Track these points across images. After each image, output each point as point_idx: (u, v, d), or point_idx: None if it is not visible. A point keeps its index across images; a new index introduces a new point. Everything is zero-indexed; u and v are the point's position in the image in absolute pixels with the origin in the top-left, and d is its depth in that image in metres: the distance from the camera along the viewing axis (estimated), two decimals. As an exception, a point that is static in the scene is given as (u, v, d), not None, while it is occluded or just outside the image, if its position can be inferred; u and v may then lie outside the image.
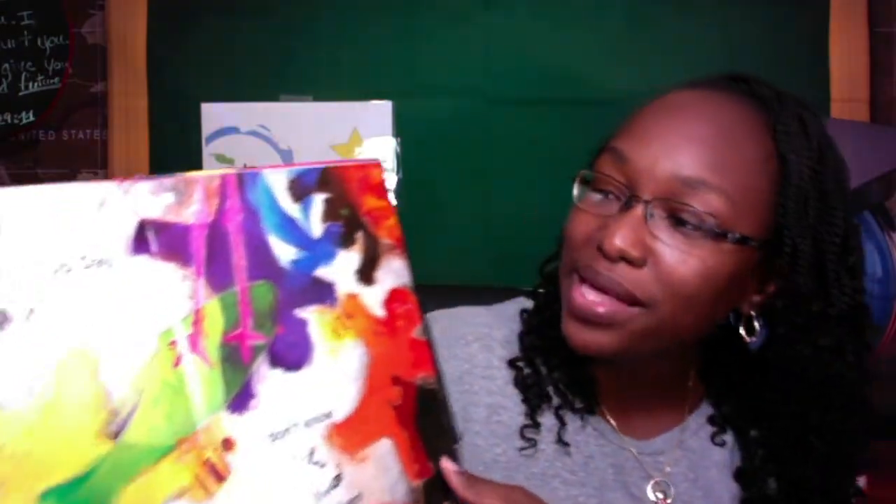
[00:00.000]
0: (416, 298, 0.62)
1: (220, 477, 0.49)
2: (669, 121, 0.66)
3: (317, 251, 0.57)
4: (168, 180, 0.51)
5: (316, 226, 0.57)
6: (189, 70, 1.60)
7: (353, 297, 0.58)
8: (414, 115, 1.57)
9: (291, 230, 0.56)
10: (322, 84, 1.58)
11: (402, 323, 0.61)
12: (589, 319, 0.65)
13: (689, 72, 1.44)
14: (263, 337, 0.53)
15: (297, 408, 0.54)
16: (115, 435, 0.46)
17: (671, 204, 0.63)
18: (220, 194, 0.53)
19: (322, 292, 0.56)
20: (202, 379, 0.50)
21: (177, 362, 0.49)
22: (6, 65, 1.56)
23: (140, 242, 0.49)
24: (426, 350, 0.62)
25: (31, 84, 1.57)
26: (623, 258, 0.63)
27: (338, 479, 0.55)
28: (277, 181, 0.56)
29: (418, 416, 0.60)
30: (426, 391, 0.61)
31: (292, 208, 0.56)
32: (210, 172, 0.53)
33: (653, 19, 1.46)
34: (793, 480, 0.71)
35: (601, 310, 0.64)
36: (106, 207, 0.48)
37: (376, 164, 0.62)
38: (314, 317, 0.56)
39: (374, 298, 0.59)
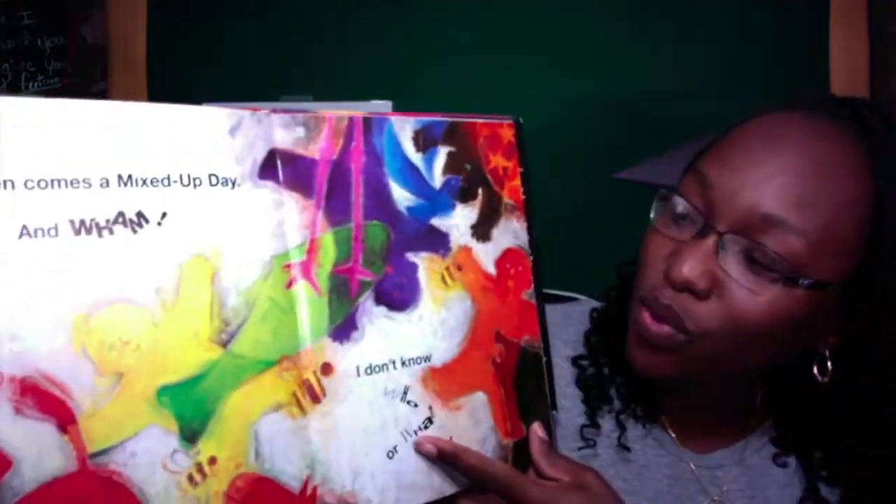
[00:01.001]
0: (530, 262, 0.63)
1: (315, 398, 0.51)
2: (759, 150, 0.61)
3: (435, 201, 0.58)
4: (300, 115, 0.53)
5: (437, 177, 0.58)
6: (189, 70, 1.60)
7: (466, 251, 0.59)
8: (414, 116, 1.58)
9: (412, 178, 0.57)
10: (322, 84, 1.57)
11: (513, 283, 0.62)
12: (649, 342, 0.64)
13: (689, 72, 1.48)
14: (372, 274, 0.54)
15: (396, 346, 0.55)
16: (226, 343, 0.48)
17: (745, 240, 0.59)
18: (347, 134, 0.54)
19: (436, 241, 0.58)
20: (310, 304, 0.52)
21: (289, 284, 0.51)
22: (6, 65, 1.53)
23: (268, 170, 0.51)
24: (534, 314, 0.63)
25: (31, 84, 1.55)
26: (688, 289, 0.61)
27: (429, 420, 0.56)
28: (404, 129, 0.57)
29: (517, 376, 0.61)
30: (529, 354, 0.62)
31: (416, 157, 0.58)
32: (339, 112, 0.55)
33: (652, 19, 1.48)
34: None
35: (663, 331, 0.62)
36: (239, 132, 0.50)
37: (510, 124, 0.63)
38: (425, 263, 0.57)
39: (487, 255, 0.60)
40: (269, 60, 1.58)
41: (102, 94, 1.74)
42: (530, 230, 0.63)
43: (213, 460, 0.47)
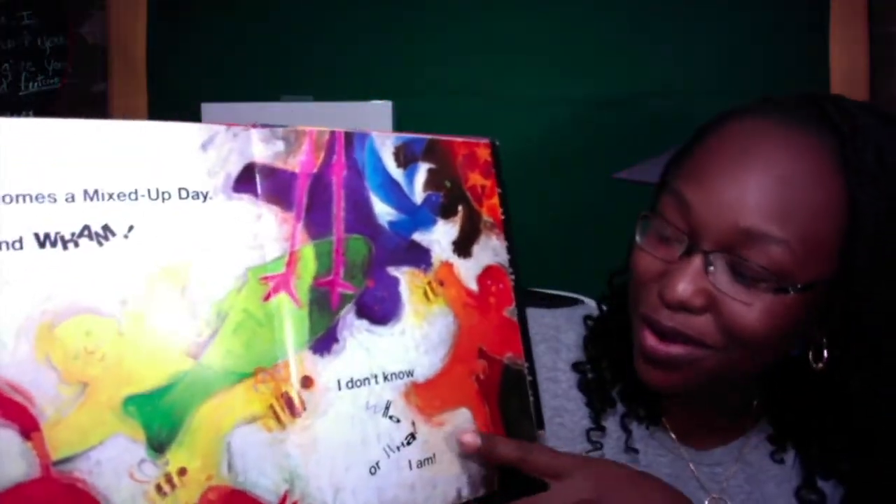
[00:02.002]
0: (511, 280, 0.63)
1: (295, 411, 0.51)
2: (733, 166, 0.61)
3: (416, 216, 0.59)
4: (280, 129, 0.53)
5: (418, 192, 0.59)
6: (189, 70, 1.61)
7: (447, 266, 0.60)
8: (414, 115, 1.58)
9: (393, 193, 0.58)
10: (322, 84, 1.57)
11: (494, 300, 0.62)
12: (661, 362, 0.65)
13: (689, 72, 1.46)
14: (353, 287, 0.54)
15: (378, 360, 0.55)
16: (196, 354, 0.48)
17: (731, 257, 0.61)
18: (328, 148, 0.55)
19: (417, 256, 0.58)
20: (289, 316, 0.51)
21: (266, 297, 0.51)
22: (6, 65, 1.55)
23: (244, 183, 0.51)
24: (517, 331, 0.62)
25: (31, 84, 1.56)
26: (684, 308, 0.62)
27: (412, 436, 0.55)
28: (385, 145, 0.58)
29: (501, 393, 0.60)
30: (513, 371, 0.62)
31: (396, 172, 0.58)
32: (320, 128, 0.55)
33: (652, 19, 1.47)
34: (854, 496, 0.71)
35: (673, 351, 0.64)
36: (212, 146, 0.50)
37: (486, 144, 0.64)
38: (406, 277, 0.57)
39: (468, 271, 0.61)
40: (269, 60, 1.59)
41: (102, 95, 1.75)
42: (510, 249, 0.64)
43: (182, 471, 0.47)
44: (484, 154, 0.63)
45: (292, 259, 0.52)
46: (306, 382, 0.51)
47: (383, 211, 0.57)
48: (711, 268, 0.61)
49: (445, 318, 0.59)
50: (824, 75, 1.32)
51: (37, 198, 0.44)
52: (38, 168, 0.44)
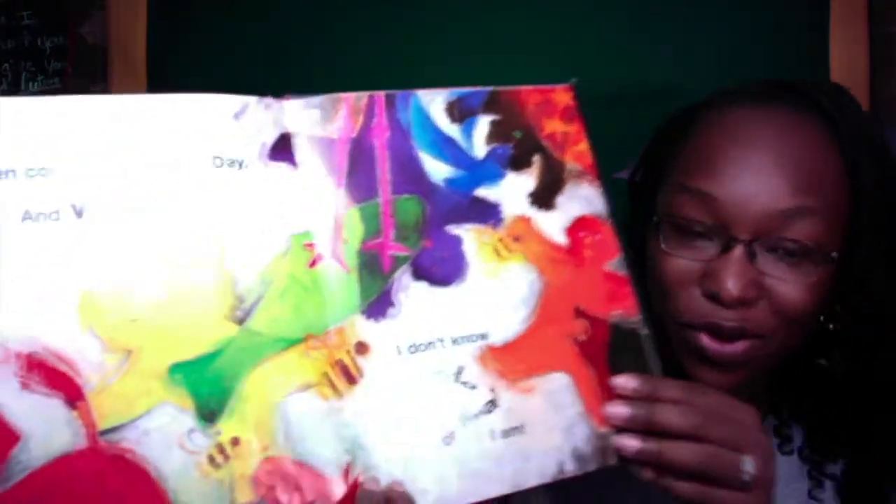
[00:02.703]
0: (611, 229, 0.58)
1: (351, 379, 0.48)
2: (748, 151, 0.63)
3: (478, 171, 0.56)
4: (315, 98, 0.53)
5: (479, 146, 0.56)
6: (189, 70, 1.57)
7: (523, 220, 0.56)
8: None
9: (447, 149, 0.55)
10: (322, 84, 1.58)
11: (591, 253, 0.57)
12: (726, 364, 0.64)
13: (689, 72, 1.38)
14: (406, 249, 0.52)
15: (443, 323, 0.51)
16: (241, 320, 0.47)
17: (771, 240, 0.62)
18: (367, 112, 0.54)
19: (483, 212, 0.55)
20: (337, 282, 0.50)
21: (312, 263, 0.50)
22: (6, 65, 1.51)
23: (280, 151, 0.51)
24: (625, 285, 0.57)
25: (31, 84, 1.52)
26: (741, 303, 0.62)
27: (492, 403, 0.51)
28: (434, 101, 0.56)
29: (611, 355, 0.55)
30: (623, 330, 0.56)
31: (450, 128, 0.56)
32: (358, 93, 0.54)
33: (652, 19, 1.46)
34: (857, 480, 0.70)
35: (739, 349, 0.63)
36: (244, 116, 0.51)
37: (565, 89, 0.60)
38: (471, 235, 0.54)
39: (553, 224, 0.56)
40: (269, 60, 1.55)
41: (102, 94, 1.81)
42: (604, 195, 0.58)
43: (235, 441, 0.45)
44: (564, 99, 0.59)
45: (337, 224, 0.50)
46: (361, 348, 0.49)
47: (437, 169, 0.54)
48: (755, 257, 0.62)
49: (526, 276, 0.54)
50: (824, 75, 1.29)
51: (74, 170, 0.45)
52: (76, 142, 0.46)
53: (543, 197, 0.56)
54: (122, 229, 0.45)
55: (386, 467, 0.47)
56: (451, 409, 0.50)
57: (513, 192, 0.56)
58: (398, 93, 0.55)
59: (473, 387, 0.50)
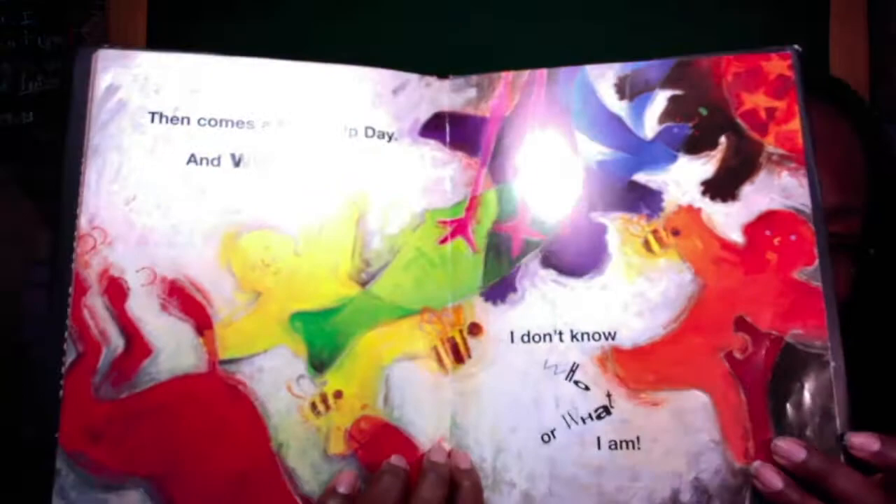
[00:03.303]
0: (811, 230, 0.49)
1: (459, 358, 0.49)
2: None
3: (643, 153, 0.51)
4: (474, 77, 0.53)
5: (650, 126, 0.51)
6: None
7: (689, 211, 0.50)
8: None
9: (609, 129, 0.51)
10: None
11: (776, 256, 0.49)
12: None
13: None
14: (540, 234, 0.50)
15: (566, 316, 0.49)
16: (364, 283, 0.49)
17: None
18: (524, 89, 0.52)
19: (638, 199, 0.50)
20: (463, 261, 0.50)
21: (443, 240, 0.50)
22: (6, 65, 1.50)
23: (432, 129, 0.52)
24: (816, 300, 0.48)
25: (31, 84, 1.50)
26: None
27: (605, 410, 0.48)
28: (604, 76, 0.52)
29: (774, 380, 0.47)
30: (800, 353, 0.47)
31: (618, 105, 0.51)
32: (519, 71, 0.53)
33: (652, 19, 1.33)
34: None
35: None
36: (403, 92, 0.52)
37: (782, 55, 0.52)
38: (618, 224, 0.50)
39: (729, 218, 0.49)
40: None
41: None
42: (813, 189, 0.50)
43: (338, 394, 0.47)
44: (777, 68, 0.51)
45: (472, 204, 0.51)
46: (474, 329, 0.49)
47: (591, 150, 0.51)
48: None
49: (678, 276, 0.49)
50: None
51: (237, 123, 0.50)
52: (241, 99, 0.50)
53: (724, 185, 0.50)
54: (271, 182, 0.49)
55: (477, 450, 0.47)
56: (556, 406, 0.48)
57: (682, 178, 0.50)
58: (562, 69, 0.53)
59: (586, 388, 0.48)
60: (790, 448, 0.45)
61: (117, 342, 0.46)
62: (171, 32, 1.63)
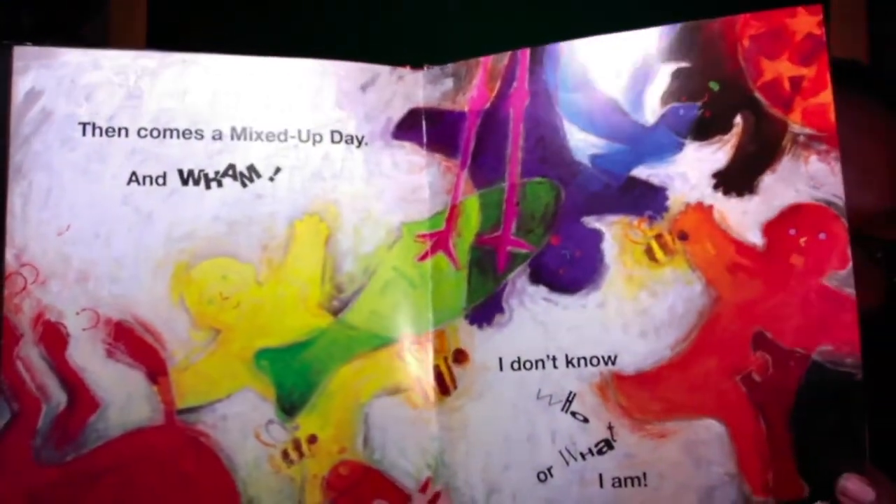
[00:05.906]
0: (845, 227, 0.41)
1: (444, 389, 0.44)
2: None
3: (643, 143, 0.43)
4: (450, 66, 0.47)
5: (652, 108, 0.43)
6: None
7: (697, 210, 0.43)
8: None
9: (604, 115, 0.44)
10: None
11: (801, 260, 0.41)
12: None
13: None
14: (528, 245, 0.44)
15: (560, 339, 0.44)
16: (337, 311, 0.44)
17: (861, 241, 0.51)
18: (505, 75, 0.45)
19: (639, 199, 0.43)
20: (445, 279, 0.45)
21: (422, 257, 0.45)
22: None
23: (407, 129, 0.46)
24: (848, 310, 0.41)
25: None
26: None
27: (606, 444, 0.43)
28: (592, 52, 0.45)
29: (798, 405, 0.41)
30: (828, 373, 0.41)
31: (612, 85, 0.44)
32: (499, 54, 0.46)
33: (652, 19, 1.32)
34: None
35: None
36: (373, 89, 0.46)
37: (809, 9, 0.43)
38: (616, 230, 0.43)
39: (746, 216, 0.42)
40: None
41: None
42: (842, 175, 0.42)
43: (313, 439, 0.42)
44: (806, 25, 0.43)
45: (453, 214, 0.45)
46: (459, 357, 0.44)
47: (583, 142, 0.44)
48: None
49: (687, 288, 0.42)
50: (824, 76, 1.18)
51: (183, 134, 0.43)
52: (187, 104, 0.44)
53: (739, 176, 0.42)
54: (227, 199, 0.43)
55: (468, 492, 0.43)
56: (552, 441, 0.43)
57: (690, 170, 0.43)
58: (546, 47, 0.45)
59: (585, 420, 0.43)
60: (858, 489, 0.40)
61: (59, 397, 0.40)
62: (171, 33, 1.57)
